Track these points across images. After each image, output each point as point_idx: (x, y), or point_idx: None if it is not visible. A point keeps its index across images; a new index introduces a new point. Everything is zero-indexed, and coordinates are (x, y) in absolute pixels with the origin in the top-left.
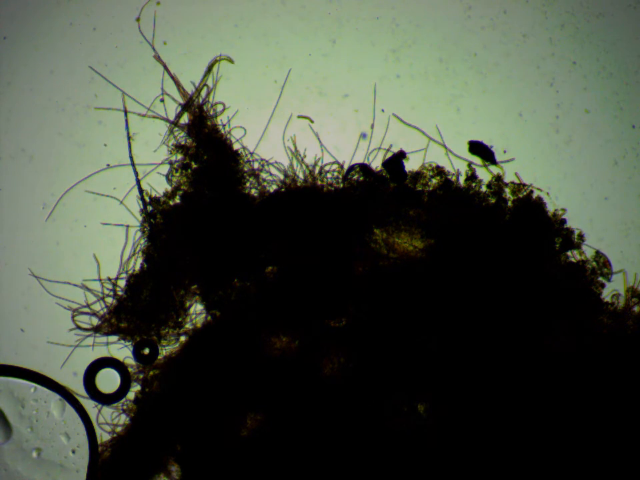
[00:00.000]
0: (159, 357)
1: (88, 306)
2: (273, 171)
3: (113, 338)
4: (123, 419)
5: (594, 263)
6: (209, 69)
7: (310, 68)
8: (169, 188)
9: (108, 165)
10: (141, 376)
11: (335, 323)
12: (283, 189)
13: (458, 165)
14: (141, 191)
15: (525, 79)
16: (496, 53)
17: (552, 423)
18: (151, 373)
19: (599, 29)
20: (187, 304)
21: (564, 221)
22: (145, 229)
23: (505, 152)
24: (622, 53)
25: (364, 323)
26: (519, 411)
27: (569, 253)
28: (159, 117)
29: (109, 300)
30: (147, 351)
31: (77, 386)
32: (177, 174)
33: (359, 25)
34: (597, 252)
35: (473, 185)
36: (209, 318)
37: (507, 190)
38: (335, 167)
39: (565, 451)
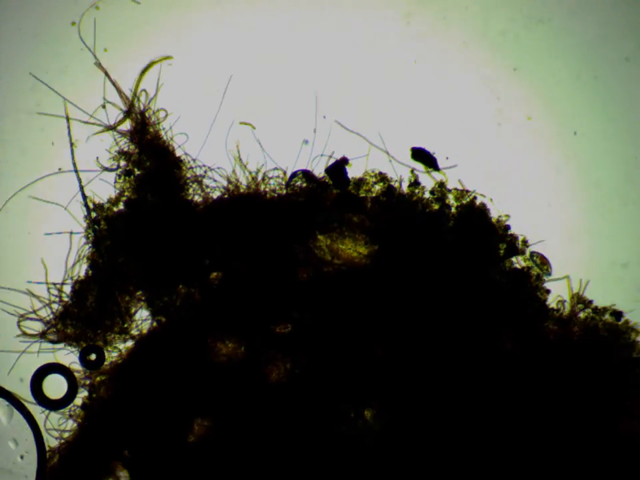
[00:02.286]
0: (106, 363)
1: (34, 312)
2: (216, 177)
3: (60, 344)
4: (71, 425)
5: (531, 263)
6: (145, 71)
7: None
8: (113, 194)
9: (60, 169)
10: (88, 382)
11: (280, 329)
12: (226, 195)
13: (401, 171)
14: (84, 197)
15: (466, 85)
16: (435, 60)
17: (497, 427)
18: (98, 378)
19: (540, 35)
20: (133, 310)
21: (508, 227)
22: (89, 235)
23: (447, 158)
24: (562, 58)
25: (309, 329)
26: (465, 416)
27: (514, 259)
28: (101, 124)
29: (55, 306)
30: (93, 356)
31: (24, 392)
32: (120, 180)
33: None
34: (531, 252)
35: (416, 191)
36: (155, 324)
37: (451, 196)
38: (277, 173)
39: (510, 453)
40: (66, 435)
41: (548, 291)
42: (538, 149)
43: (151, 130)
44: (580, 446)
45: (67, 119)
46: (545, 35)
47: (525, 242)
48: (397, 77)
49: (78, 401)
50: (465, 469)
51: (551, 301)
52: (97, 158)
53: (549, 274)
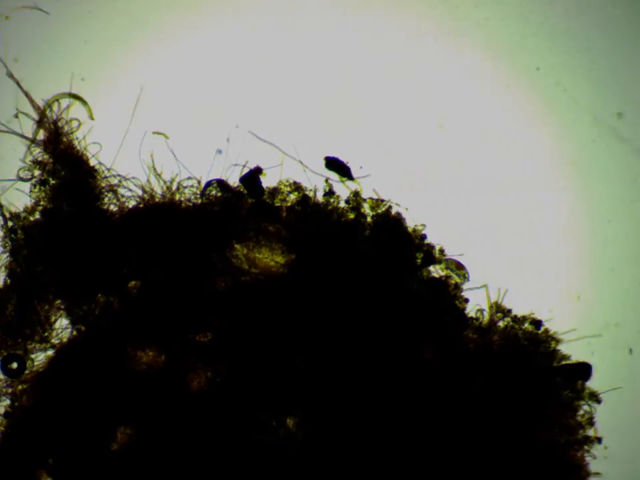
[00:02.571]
0: (27, 371)
1: None
2: (131, 186)
3: None
4: None
5: (447, 271)
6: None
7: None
8: (29, 204)
9: None
10: (10, 390)
11: (200, 338)
12: (141, 205)
13: (315, 180)
14: (0, 206)
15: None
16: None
17: (418, 435)
18: (20, 387)
19: None
20: (52, 318)
21: (424, 237)
22: (7, 244)
23: (361, 168)
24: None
25: (229, 338)
26: (386, 424)
27: (432, 268)
28: (14, 133)
29: None
30: (14, 365)
31: None
32: (36, 190)
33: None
34: (445, 259)
35: (331, 200)
36: (75, 332)
37: (366, 205)
38: (192, 182)
39: (431, 461)
40: None
41: (467, 300)
42: (449, 157)
43: (65, 139)
44: (500, 455)
45: None
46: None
47: (441, 251)
48: (316, 87)
49: (0, 409)
50: (386, 475)
51: (470, 310)
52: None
53: (467, 279)
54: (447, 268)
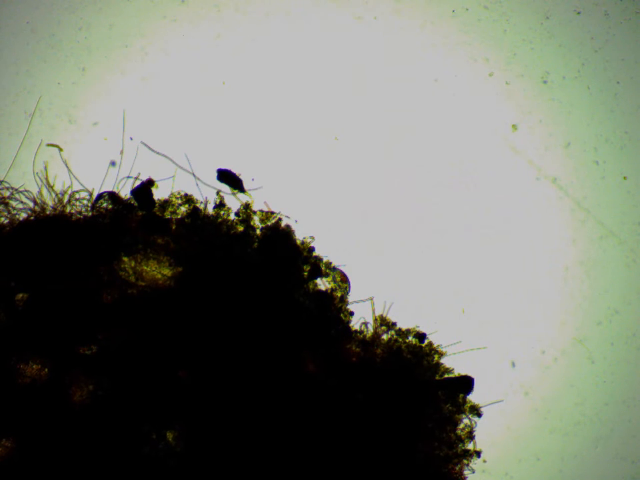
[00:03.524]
0: None
1: None
2: (23, 198)
3: None
4: None
5: (330, 279)
6: None
7: (60, 96)
8: None
9: None
10: None
11: (84, 350)
12: (32, 217)
13: (207, 192)
14: None
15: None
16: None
17: (301, 447)
18: None
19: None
20: None
21: (312, 249)
22: None
23: (252, 180)
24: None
25: (113, 351)
26: (269, 436)
27: (318, 281)
28: None
29: None
30: None
31: None
32: None
33: (108, 53)
34: (333, 269)
35: (222, 212)
36: None
37: (256, 218)
38: (84, 194)
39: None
40: None
41: (351, 313)
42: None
43: None
44: (381, 468)
45: None
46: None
47: (328, 264)
48: (206, 97)
49: None
50: None
51: (355, 323)
52: None
53: (348, 292)
54: (331, 277)
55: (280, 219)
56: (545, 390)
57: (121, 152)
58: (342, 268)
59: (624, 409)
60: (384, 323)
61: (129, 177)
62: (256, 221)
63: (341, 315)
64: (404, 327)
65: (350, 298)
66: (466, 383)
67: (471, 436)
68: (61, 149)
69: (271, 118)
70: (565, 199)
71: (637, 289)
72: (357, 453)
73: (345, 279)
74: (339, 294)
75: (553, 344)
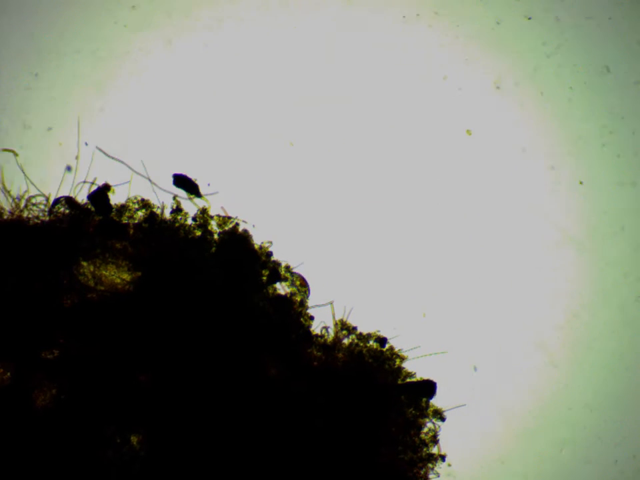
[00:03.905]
0: None
1: None
2: None
3: None
4: None
5: (293, 288)
6: None
7: (13, 101)
8: None
9: None
10: None
11: (46, 355)
12: None
13: (163, 197)
14: None
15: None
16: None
17: (262, 453)
18: None
19: None
20: None
21: (270, 253)
22: None
23: (209, 185)
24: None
25: (75, 355)
26: (230, 442)
27: (277, 285)
28: None
29: None
30: None
31: None
32: None
33: (61, 58)
34: (292, 273)
35: (179, 217)
36: None
37: (213, 222)
38: (41, 199)
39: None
40: None
41: (312, 317)
42: (299, 173)
43: None
44: (344, 473)
45: None
46: None
47: (287, 268)
48: (160, 101)
49: None
50: None
51: (315, 327)
52: None
53: (307, 296)
54: (290, 281)
55: (237, 224)
56: (508, 394)
57: (77, 157)
58: (301, 272)
59: (587, 412)
60: (345, 327)
61: (85, 181)
62: (213, 226)
63: (301, 319)
64: (365, 331)
65: (310, 302)
66: (428, 387)
67: (435, 440)
68: (16, 154)
69: (225, 122)
70: (520, 204)
71: (596, 292)
72: (320, 457)
73: (304, 282)
74: (298, 298)
75: (515, 347)
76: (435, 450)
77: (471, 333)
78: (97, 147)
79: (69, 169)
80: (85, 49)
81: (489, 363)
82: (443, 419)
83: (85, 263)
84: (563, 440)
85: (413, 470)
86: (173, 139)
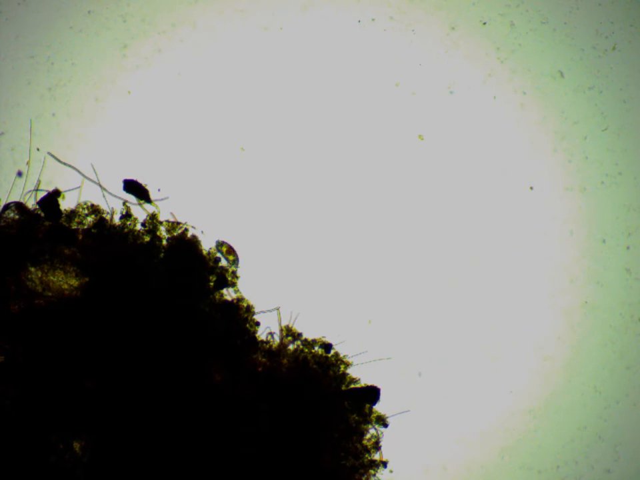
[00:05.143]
0: None
1: None
2: None
3: None
4: None
5: (217, 253)
6: None
7: None
8: None
9: None
10: None
11: None
12: None
13: (113, 203)
14: None
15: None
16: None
17: (210, 456)
18: None
19: None
20: None
21: (218, 259)
22: None
23: (159, 190)
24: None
25: (21, 361)
26: (175, 449)
27: (224, 291)
28: None
29: None
30: None
31: None
32: None
33: (15, 63)
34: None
35: (128, 223)
36: None
37: (162, 228)
38: None
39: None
40: None
41: (257, 323)
42: (251, 179)
43: None
44: (286, 478)
45: None
46: None
47: (234, 273)
48: (112, 106)
49: None
50: None
51: (261, 333)
52: None
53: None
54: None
55: (186, 230)
56: (452, 400)
57: (28, 162)
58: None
59: (529, 418)
60: (290, 333)
61: (35, 187)
62: (162, 232)
63: (247, 325)
64: (310, 337)
65: (256, 308)
66: (372, 393)
67: (377, 446)
68: None
69: (177, 128)
70: (470, 210)
71: (543, 297)
72: (263, 463)
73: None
74: (244, 304)
75: (459, 354)
76: (377, 456)
77: (417, 338)
78: (49, 153)
79: (19, 174)
80: (39, 54)
81: (433, 369)
82: (385, 425)
83: (33, 269)
84: (504, 446)
85: (355, 476)
86: (125, 144)
